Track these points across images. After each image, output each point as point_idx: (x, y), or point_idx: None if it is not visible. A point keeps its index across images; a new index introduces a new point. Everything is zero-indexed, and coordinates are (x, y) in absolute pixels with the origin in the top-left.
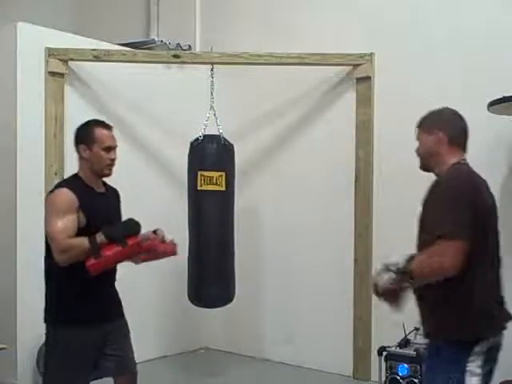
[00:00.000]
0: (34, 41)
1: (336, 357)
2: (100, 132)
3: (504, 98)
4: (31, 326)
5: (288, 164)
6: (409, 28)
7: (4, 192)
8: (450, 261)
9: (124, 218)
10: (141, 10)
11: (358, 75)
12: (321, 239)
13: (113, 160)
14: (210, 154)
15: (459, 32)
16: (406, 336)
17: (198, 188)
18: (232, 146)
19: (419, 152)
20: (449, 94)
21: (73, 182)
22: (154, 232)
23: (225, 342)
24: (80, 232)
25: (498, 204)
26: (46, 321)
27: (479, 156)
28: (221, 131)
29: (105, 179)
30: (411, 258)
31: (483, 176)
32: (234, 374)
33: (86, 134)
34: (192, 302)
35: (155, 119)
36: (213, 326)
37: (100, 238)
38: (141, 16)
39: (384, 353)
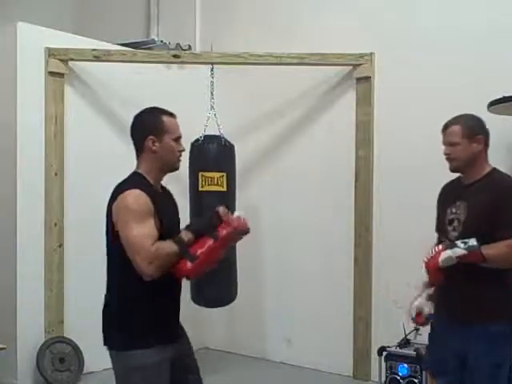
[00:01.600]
0: (34, 41)
1: (336, 357)
2: (169, 121)
3: (504, 97)
4: (31, 326)
5: (288, 164)
6: (409, 28)
7: (4, 192)
8: None
9: None
10: (141, 10)
11: (358, 75)
12: (321, 239)
13: (182, 151)
14: (211, 154)
15: (459, 32)
16: (405, 336)
17: (200, 189)
18: (232, 146)
19: (455, 156)
20: (449, 94)
21: (141, 183)
22: (218, 215)
23: (225, 341)
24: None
25: None
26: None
27: None
28: (221, 131)
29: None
30: (480, 243)
31: None
32: (234, 374)
33: (154, 124)
34: (194, 302)
35: None
36: (213, 326)
37: (187, 236)
38: (141, 16)
39: (384, 353)
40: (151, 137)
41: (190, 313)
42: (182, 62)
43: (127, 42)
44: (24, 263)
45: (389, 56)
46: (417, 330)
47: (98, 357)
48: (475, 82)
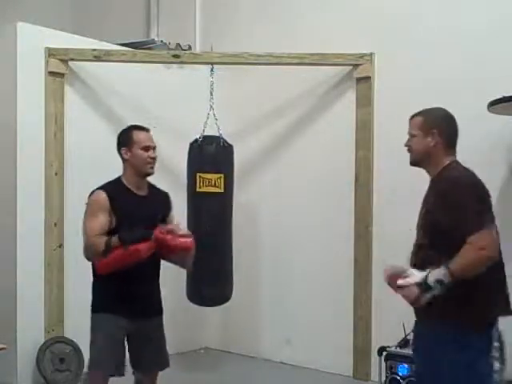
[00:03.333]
0: (34, 41)
1: (336, 357)
2: (139, 133)
3: (504, 97)
4: (31, 326)
5: (288, 164)
6: (409, 28)
7: (4, 192)
8: (489, 249)
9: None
10: (141, 10)
11: (358, 75)
12: (320, 239)
13: (153, 158)
14: (209, 155)
15: (459, 32)
16: (405, 336)
17: (197, 190)
18: (231, 147)
19: (412, 148)
20: (449, 94)
21: (111, 184)
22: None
23: (225, 342)
24: (113, 233)
25: (497, 204)
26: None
27: (479, 156)
28: (220, 132)
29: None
30: (442, 268)
31: (481, 176)
32: (233, 374)
33: (126, 138)
34: (190, 300)
35: (155, 119)
36: (213, 326)
37: (114, 240)
38: (141, 16)
39: (384, 353)
40: (124, 148)
41: (189, 313)
42: (182, 62)
43: (127, 42)
44: (24, 263)
45: (389, 56)
46: None
47: None
48: (475, 82)
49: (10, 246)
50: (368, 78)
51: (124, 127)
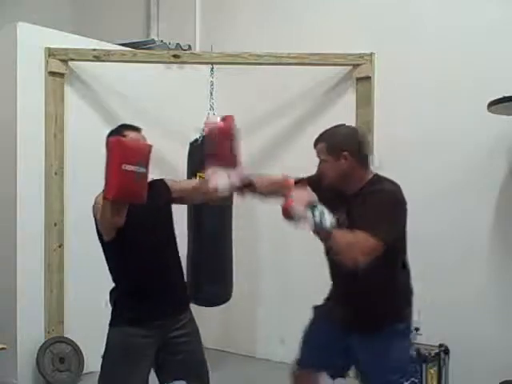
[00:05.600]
0: (34, 41)
1: None
2: (129, 134)
3: (504, 97)
4: (31, 326)
5: (288, 164)
6: (409, 28)
7: (4, 192)
8: (365, 258)
9: None
10: (141, 10)
11: (358, 75)
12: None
13: None
14: None
15: (459, 32)
16: None
17: None
18: None
19: (325, 173)
20: (449, 94)
21: None
22: None
23: (224, 341)
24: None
25: (497, 203)
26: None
27: (479, 156)
28: None
29: None
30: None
31: (482, 176)
32: (233, 374)
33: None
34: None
35: (155, 119)
36: (212, 325)
37: None
38: (141, 16)
39: None
40: None
41: None
42: (182, 62)
43: (127, 42)
44: (24, 263)
45: (389, 56)
46: (417, 329)
47: (98, 357)
48: (475, 81)
49: (10, 246)
50: (368, 78)
51: (113, 128)
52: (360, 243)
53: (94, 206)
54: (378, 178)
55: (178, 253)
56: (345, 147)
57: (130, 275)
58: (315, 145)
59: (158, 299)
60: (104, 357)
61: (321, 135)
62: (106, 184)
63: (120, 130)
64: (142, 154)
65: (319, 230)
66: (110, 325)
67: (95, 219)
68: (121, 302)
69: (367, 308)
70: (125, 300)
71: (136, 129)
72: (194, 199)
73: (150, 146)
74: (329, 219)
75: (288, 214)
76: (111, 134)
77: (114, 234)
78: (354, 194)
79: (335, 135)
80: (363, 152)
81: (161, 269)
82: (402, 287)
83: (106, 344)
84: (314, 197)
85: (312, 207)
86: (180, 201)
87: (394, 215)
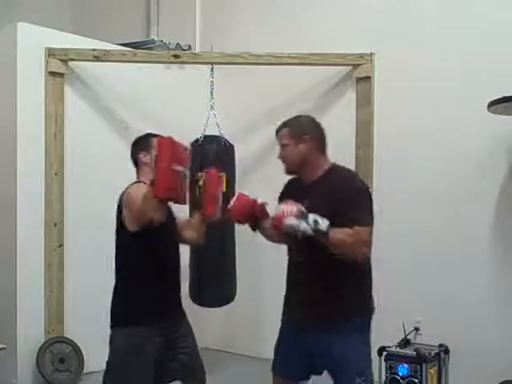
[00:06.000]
0: (34, 41)
1: None
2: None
3: (504, 97)
4: (31, 326)
5: None
6: (409, 28)
7: (4, 192)
8: (369, 248)
9: None
10: (141, 10)
11: (358, 75)
12: None
13: None
14: (210, 155)
15: (459, 32)
16: (406, 336)
17: None
18: (232, 146)
19: (286, 158)
20: (449, 94)
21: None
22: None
23: (225, 342)
24: (137, 236)
25: (497, 203)
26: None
27: (479, 156)
28: (221, 131)
29: None
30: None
31: (482, 176)
32: (234, 374)
33: (144, 143)
34: (193, 301)
35: (155, 119)
36: (213, 326)
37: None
38: (141, 16)
39: (384, 353)
40: (143, 152)
41: (190, 313)
42: (182, 62)
43: (127, 42)
44: (24, 263)
45: (389, 56)
46: (417, 329)
47: (97, 357)
48: (475, 82)
49: (10, 246)
50: (368, 78)
51: (143, 134)
52: (359, 235)
53: (124, 195)
54: (335, 167)
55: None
56: (306, 131)
57: (150, 271)
58: (278, 131)
59: (170, 299)
60: (114, 357)
61: (284, 122)
62: (157, 182)
63: (149, 136)
64: (186, 156)
65: (318, 236)
66: (120, 325)
67: (120, 209)
68: (133, 300)
69: (317, 303)
70: (139, 298)
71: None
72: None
73: (189, 150)
74: (322, 223)
75: (281, 229)
76: (140, 139)
77: (141, 226)
78: (313, 182)
79: (299, 121)
80: (323, 138)
81: (174, 269)
82: (356, 280)
83: (117, 344)
84: (300, 206)
85: (304, 216)
86: None
87: (367, 199)
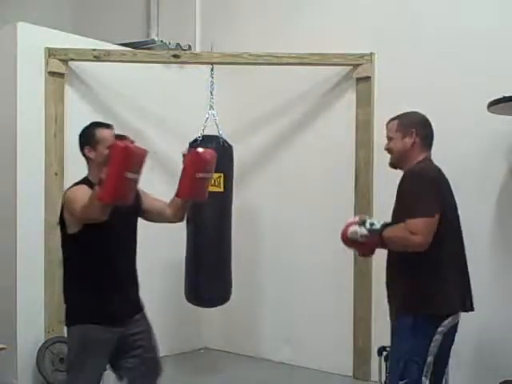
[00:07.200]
0: (34, 41)
1: (336, 357)
2: (102, 132)
3: (504, 97)
4: (31, 326)
5: (288, 164)
6: (409, 28)
7: (4, 192)
8: (422, 237)
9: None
10: (141, 10)
11: (358, 75)
12: (320, 239)
13: None
14: None
15: (459, 32)
16: None
17: None
18: (231, 146)
19: (393, 150)
20: (449, 94)
21: (83, 184)
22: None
23: (225, 342)
24: (88, 233)
25: (497, 203)
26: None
27: (479, 156)
28: (220, 132)
29: None
30: (387, 225)
31: (482, 175)
32: (233, 374)
33: (88, 136)
34: (189, 301)
35: (155, 119)
36: (213, 326)
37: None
38: (141, 16)
39: (384, 353)
40: (87, 147)
41: (189, 313)
42: (182, 62)
43: (127, 42)
44: (24, 263)
45: (389, 56)
46: None
47: None
48: (475, 82)
49: (10, 246)
50: (368, 78)
51: (85, 126)
52: (409, 227)
53: (65, 197)
54: (419, 162)
55: (136, 253)
56: (412, 126)
57: (99, 271)
58: (387, 124)
59: (124, 297)
60: (71, 356)
61: (395, 116)
62: (105, 186)
63: (94, 128)
64: (142, 162)
65: (373, 235)
66: (72, 323)
67: (63, 210)
68: (85, 299)
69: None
70: (90, 297)
71: (108, 126)
72: (155, 219)
73: (146, 152)
74: (378, 224)
75: (347, 240)
76: (85, 131)
77: (81, 226)
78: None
79: (408, 115)
80: (429, 136)
81: (126, 266)
82: (406, 278)
83: (73, 342)
84: (363, 216)
85: (363, 222)
86: (143, 214)
87: (418, 190)
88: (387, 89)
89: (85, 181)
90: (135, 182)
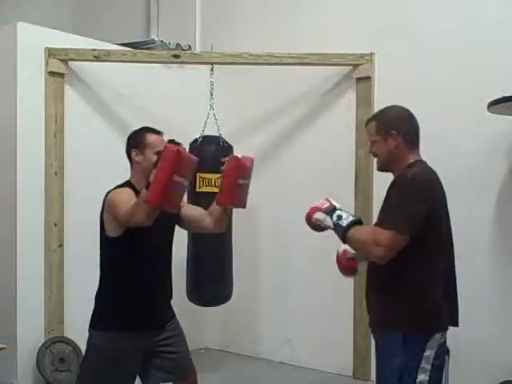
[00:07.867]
0: (34, 41)
1: (336, 357)
2: (151, 137)
3: (504, 97)
4: (31, 326)
5: (288, 164)
6: (409, 28)
7: (4, 192)
8: (384, 250)
9: None
10: (141, 10)
11: (358, 75)
12: (321, 239)
13: None
14: (209, 155)
15: (459, 32)
16: None
17: (197, 190)
18: (231, 147)
19: (377, 154)
20: (449, 94)
21: (126, 186)
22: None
23: (225, 342)
24: (128, 238)
25: (497, 203)
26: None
27: (479, 156)
28: (220, 132)
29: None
30: (355, 222)
31: (482, 176)
32: (233, 374)
33: (138, 140)
34: (190, 301)
35: (155, 119)
36: (213, 326)
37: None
38: (141, 16)
39: None
40: (135, 150)
41: (189, 313)
42: (182, 62)
43: (127, 42)
44: (24, 263)
45: (389, 56)
46: None
47: None
48: (475, 81)
49: (10, 246)
50: (368, 78)
51: (135, 128)
52: (374, 235)
53: (107, 199)
54: (410, 164)
55: (171, 263)
56: (393, 126)
57: (135, 277)
58: (365, 126)
59: (156, 305)
60: (87, 362)
61: (371, 116)
62: (153, 188)
63: (144, 132)
64: (191, 169)
65: (338, 231)
66: (97, 328)
67: (102, 213)
68: (116, 304)
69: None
70: (122, 303)
71: (159, 132)
72: (193, 228)
73: (197, 161)
74: (346, 219)
75: (310, 223)
76: (135, 134)
77: (122, 231)
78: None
79: (385, 114)
80: (413, 131)
81: (161, 274)
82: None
83: (93, 348)
84: (335, 203)
85: (331, 211)
86: (181, 222)
87: (403, 200)
88: (387, 89)
89: (127, 184)
90: (183, 187)
